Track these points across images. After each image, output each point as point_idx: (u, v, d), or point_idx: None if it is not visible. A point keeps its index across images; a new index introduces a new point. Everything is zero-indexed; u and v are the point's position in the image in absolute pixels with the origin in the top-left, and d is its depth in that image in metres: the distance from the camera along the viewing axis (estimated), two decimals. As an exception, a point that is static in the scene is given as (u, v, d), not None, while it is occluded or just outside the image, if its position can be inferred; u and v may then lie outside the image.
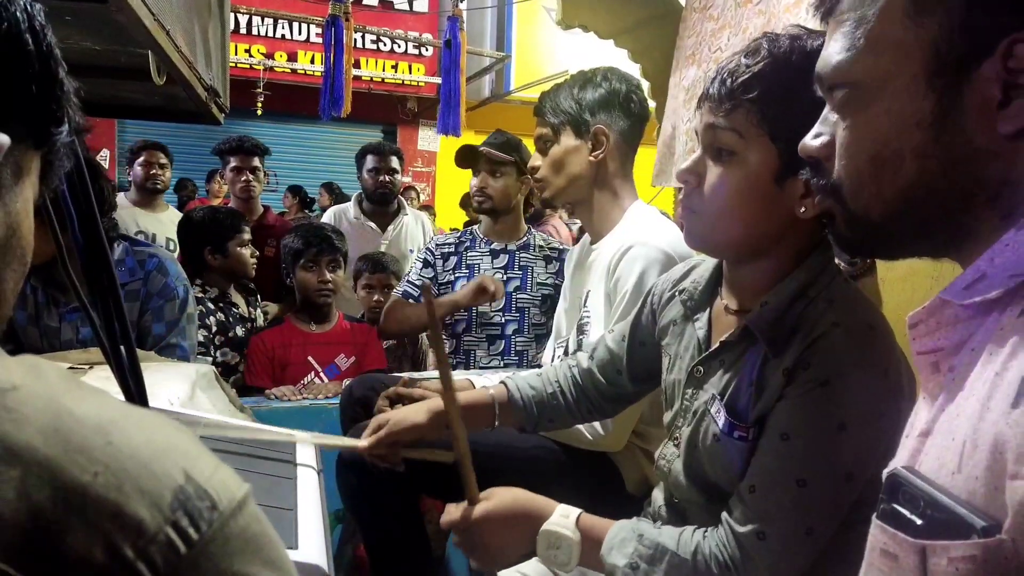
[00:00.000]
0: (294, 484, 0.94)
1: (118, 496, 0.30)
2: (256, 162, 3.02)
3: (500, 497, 0.98)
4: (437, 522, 1.19)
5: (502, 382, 1.26)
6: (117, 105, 1.74)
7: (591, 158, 1.50)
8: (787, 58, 0.84)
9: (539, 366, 2.24)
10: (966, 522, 0.44)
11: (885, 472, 0.54)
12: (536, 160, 1.57)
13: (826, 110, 0.61)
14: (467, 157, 2.25)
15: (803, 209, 0.85)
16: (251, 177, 2.99)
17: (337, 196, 7.09)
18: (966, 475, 0.45)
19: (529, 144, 2.37)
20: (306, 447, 1.15)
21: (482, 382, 1.63)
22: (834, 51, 0.57)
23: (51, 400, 0.31)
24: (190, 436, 0.36)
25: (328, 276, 2.34)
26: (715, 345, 0.95)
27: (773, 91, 0.83)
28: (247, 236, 2.47)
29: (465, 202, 7.04)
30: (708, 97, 0.88)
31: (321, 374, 2.36)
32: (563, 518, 0.94)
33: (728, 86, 0.86)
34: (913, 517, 0.48)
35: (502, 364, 2.27)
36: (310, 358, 2.36)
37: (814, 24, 1.51)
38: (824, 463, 0.81)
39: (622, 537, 0.91)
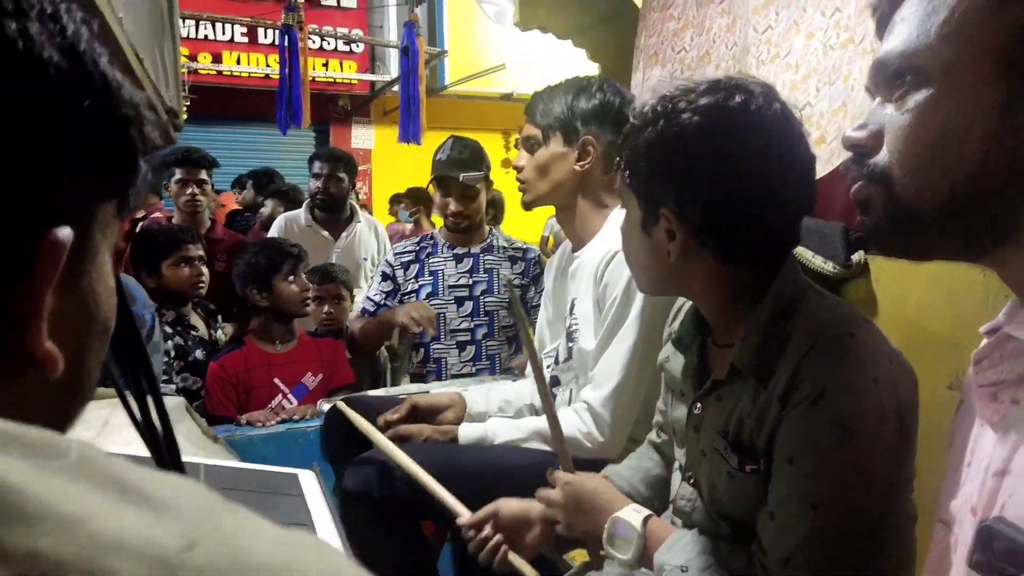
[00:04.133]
0: (313, 532, 0.91)
1: None
2: (203, 175, 2.88)
3: (588, 480, 1.09)
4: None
5: (605, 476, 1.22)
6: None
7: (576, 167, 1.48)
8: (644, 122, 0.91)
9: (510, 370, 2.25)
10: None
11: (976, 521, 0.53)
12: (521, 160, 1.54)
13: (875, 104, 0.61)
14: (442, 182, 2.20)
15: (668, 253, 0.92)
16: (197, 190, 2.86)
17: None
18: None
19: (486, 138, 2.35)
20: (308, 477, 1.11)
21: (471, 395, 1.61)
22: (902, 38, 0.57)
23: (232, 548, 0.28)
24: (342, 556, 0.33)
25: (309, 285, 2.30)
26: (708, 381, 0.96)
27: (631, 152, 0.93)
28: (189, 253, 2.32)
29: (396, 201, 6.93)
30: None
31: (289, 395, 2.28)
32: (634, 513, 1.00)
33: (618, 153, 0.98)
34: (1013, 569, 0.47)
35: (474, 370, 2.25)
36: (276, 380, 2.27)
37: (783, 27, 1.54)
38: (833, 481, 0.82)
39: (683, 544, 0.93)
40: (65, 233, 0.34)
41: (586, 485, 1.08)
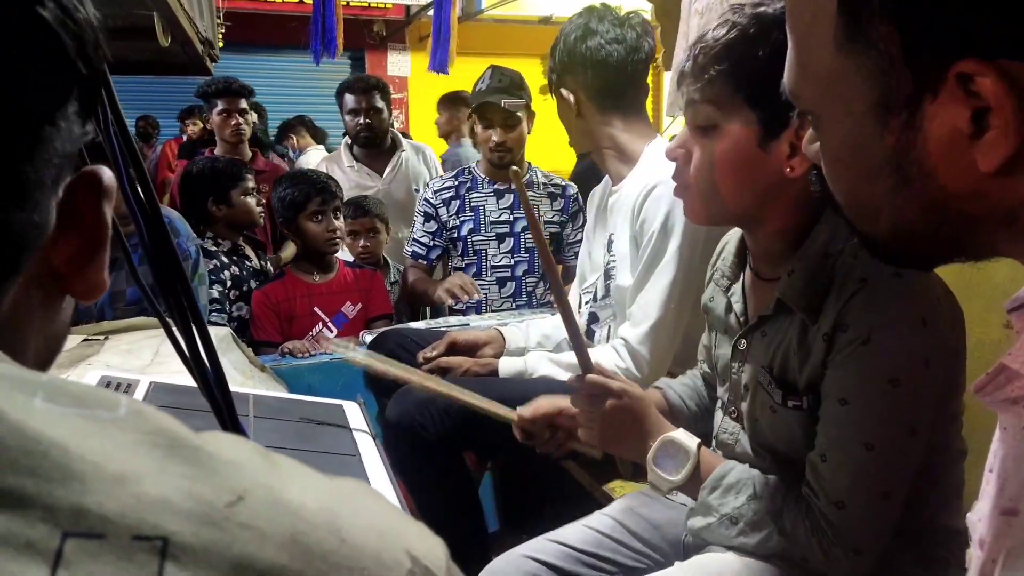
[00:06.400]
0: (359, 461, 0.93)
1: None
2: (243, 104, 2.84)
3: (644, 397, 1.01)
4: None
5: (657, 387, 1.22)
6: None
7: (570, 115, 1.51)
8: (754, 25, 0.84)
9: (548, 304, 2.25)
10: None
11: (981, 558, 0.48)
12: None
13: None
14: (484, 111, 2.15)
15: (790, 169, 0.86)
16: (240, 120, 2.83)
17: (311, 131, 6.81)
18: None
19: (524, 64, 2.29)
20: (353, 408, 1.14)
21: (509, 331, 1.62)
22: (787, 66, 0.50)
23: (277, 502, 0.28)
24: (388, 503, 0.34)
25: (336, 224, 2.27)
26: (753, 316, 0.95)
27: (744, 58, 0.85)
28: (251, 184, 2.39)
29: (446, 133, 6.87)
30: (685, 76, 0.91)
31: (329, 324, 2.33)
32: (688, 436, 0.95)
33: (700, 62, 0.88)
34: None
35: (513, 305, 2.27)
36: (316, 309, 2.32)
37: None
38: (886, 422, 0.82)
39: (736, 480, 0.91)
40: (110, 172, 0.35)
41: (635, 407, 0.99)
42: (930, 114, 0.42)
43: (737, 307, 0.98)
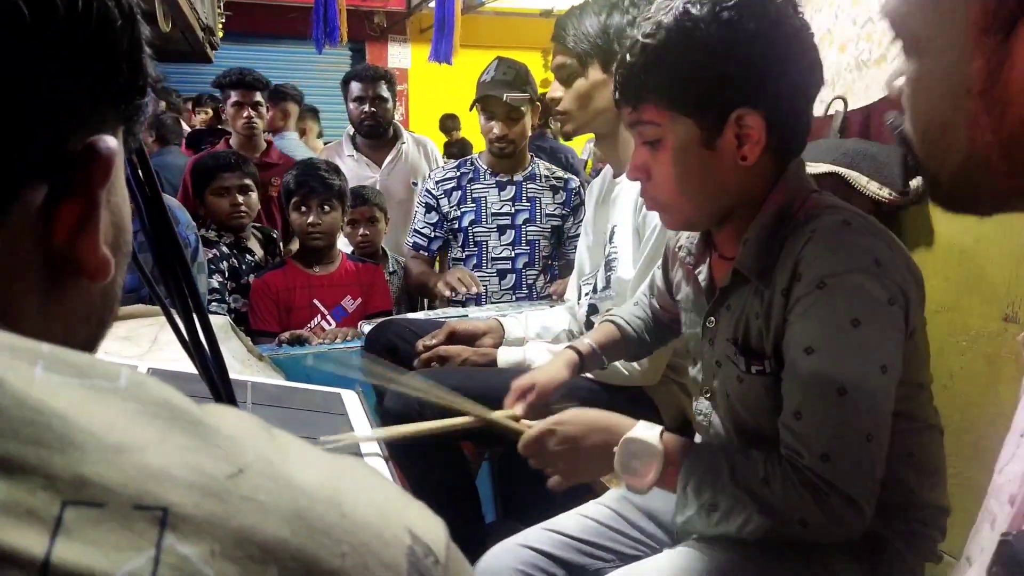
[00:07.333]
0: (357, 450, 0.93)
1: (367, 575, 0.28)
2: (258, 96, 2.82)
3: (578, 413, 0.98)
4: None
5: (608, 320, 1.27)
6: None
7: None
8: (657, 37, 0.87)
9: (548, 297, 2.26)
10: None
11: (1011, 514, 0.49)
12: (557, 91, 1.49)
13: None
14: (486, 103, 2.13)
15: (743, 159, 0.88)
16: (253, 113, 2.80)
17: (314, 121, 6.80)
18: None
19: (524, 57, 2.28)
20: (351, 397, 1.14)
21: (509, 322, 1.62)
22: None
23: (279, 476, 0.28)
24: (388, 481, 0.34)
25: (315, 218, 2.21)
26: (716, 292, 0.96)
27: (661, 74, 0.88)
28: (225, 183, 2.33)
29: (444, 126, 6.85)
30: (618, 102, 0.94)
31: (328, 317, 2.32)
32: (647, 429, 0.91)
33: (625, 86, 0.92)
34: None
35: (513, 298, 2.27)
36: (315, 301, 2.31)
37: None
38: (855, 363, 0.81)
39: (707, 464, 0.87)
40: (113, 143, 0.35)
41: (575, 429, 0.96)
42: (1023, 36, 0.42)
43: (704, 286, 1.00)
